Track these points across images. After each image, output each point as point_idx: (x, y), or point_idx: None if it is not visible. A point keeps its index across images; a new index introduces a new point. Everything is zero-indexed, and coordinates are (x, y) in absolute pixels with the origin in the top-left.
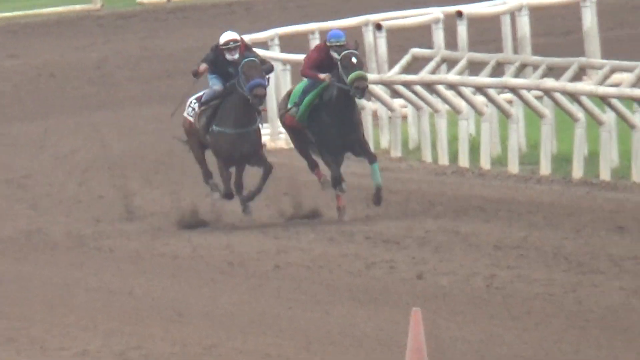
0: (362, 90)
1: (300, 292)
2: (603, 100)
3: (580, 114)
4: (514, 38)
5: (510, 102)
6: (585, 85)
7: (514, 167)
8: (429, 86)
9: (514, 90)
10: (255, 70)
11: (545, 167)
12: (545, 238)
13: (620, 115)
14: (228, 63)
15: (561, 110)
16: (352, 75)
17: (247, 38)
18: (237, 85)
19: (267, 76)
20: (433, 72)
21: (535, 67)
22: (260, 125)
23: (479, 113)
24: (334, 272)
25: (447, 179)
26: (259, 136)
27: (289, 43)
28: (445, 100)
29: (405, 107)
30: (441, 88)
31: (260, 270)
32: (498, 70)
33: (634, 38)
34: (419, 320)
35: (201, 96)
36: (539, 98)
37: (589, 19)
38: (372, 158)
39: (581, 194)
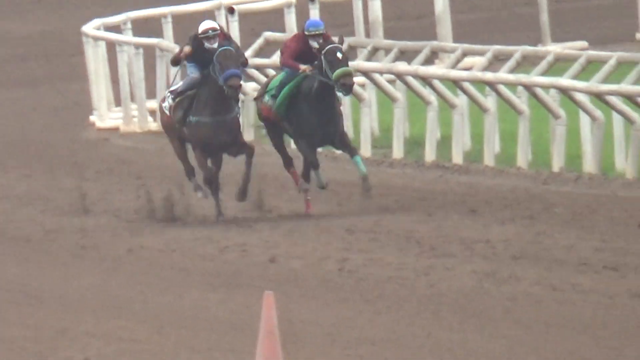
0: (349, 87)
1: (153, 276)
2: (455, 84)
3: (432, 97)
4: (366, 22)
5: (362, 85)
6: (437, 69)
7: (366, 150)
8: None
9: (366, 73)
10: (230, 59)
11: (397, 151)
12: (397, 222)
13: (472, 99)
14: (207, 53)
15: (413, 93)
16: (338, 72)
17: (99, 22)
18: (212, 72)
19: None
20: None
21: (388, 50)
22: (238, 113)
23: None
24: (186, 255)
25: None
26: (238, 124)
27: (142, 27)
28: None
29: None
30: None
31: (113, 253)
32: (350, 53)
33: (485, 22)
34: (272, 304)
35: (177, 88)
36: (391, 82)
37: (441, 2)
38: (352, 151)
39: (433, 178)
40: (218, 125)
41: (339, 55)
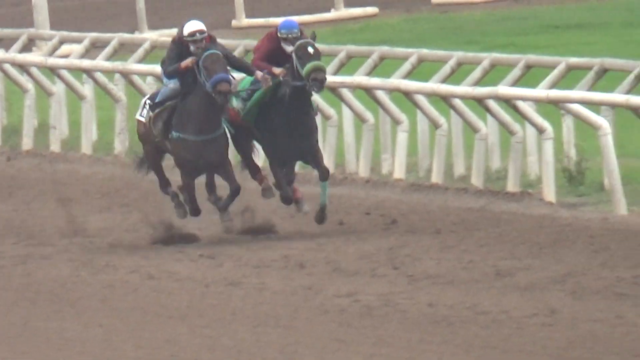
0: (321, 82)
1: None
2: (52, 72)
3: (30, 84)
4: None
5: None
6: (34, 57)
7: None
8: None
9: None
10: (218, 64)
11: None
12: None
13: (69, 86)
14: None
15: (11, 81)
16: (308, 67)
17: None
18: (198, 81)
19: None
20: None
21: None
22: (226, 130)
23: None
24: None
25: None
26: (226, 143)
27: None
28: None
29: None
30: None
31: None
32: None
33: (82, 9)
34: None
35: (156, 95)
36: None
37: None
38: (323, 174)
39: (31, 166)
40: (205, 145)
41: (310, 50)
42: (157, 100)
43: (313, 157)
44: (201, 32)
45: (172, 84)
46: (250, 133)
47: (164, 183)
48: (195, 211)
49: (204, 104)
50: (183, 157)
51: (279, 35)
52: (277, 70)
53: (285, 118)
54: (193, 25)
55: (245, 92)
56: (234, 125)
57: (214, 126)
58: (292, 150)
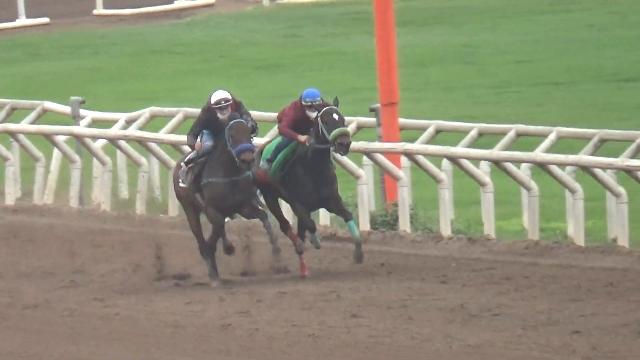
0: (346, 146)
1: None
2: None
3: None
4: None
5: None
6: None
7: None
8: None
9: None
10: (242, 133)
11: None
12: None
13: None
14: (220, 122)
15: None
16: (335, 133)
17: None
18: (224, 138)
19: (253, 136)
20: None
21: None
22: (250, 175)
23: None
24: None
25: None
26: (251, 185)
27: None
28: None
29: None
30: None
31: None
32: None
33: None
34: None
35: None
36: None
37: None
38: (347, 215)
39: None
40: (232, 185)
41: (336, 116)
42: (191, 156)
43: (335, 205)
44: (226, 100)
45: (208, 142)
46: (276, 192)
47: (204, 248)
48: (229, 249)
49: (228, 153)
50: (212, 197)
51: (303, 103)
52: (302, 137)
53: (307, 172)
54: (219, 95)
55: (271, 154)
56: (262, 184)
57: (239, 170)
58: (315, 198)
